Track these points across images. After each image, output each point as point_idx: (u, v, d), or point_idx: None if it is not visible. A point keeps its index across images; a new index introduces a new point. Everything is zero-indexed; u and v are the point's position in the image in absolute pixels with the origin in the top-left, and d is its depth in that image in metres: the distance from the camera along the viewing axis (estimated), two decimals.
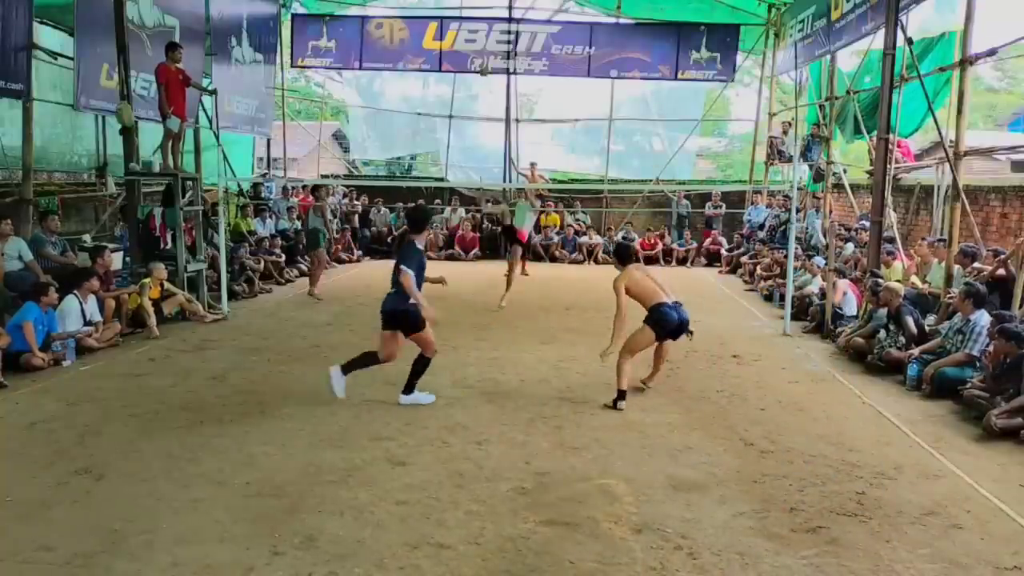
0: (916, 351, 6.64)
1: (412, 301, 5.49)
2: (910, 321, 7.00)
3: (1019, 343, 5.50)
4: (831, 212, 12.97)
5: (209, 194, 11.20)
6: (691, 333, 6.21)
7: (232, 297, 9.87)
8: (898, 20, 8.83)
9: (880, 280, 7.78)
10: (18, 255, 7.86)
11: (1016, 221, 8.90)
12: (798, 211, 10.50)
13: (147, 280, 8.43)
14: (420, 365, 5.82)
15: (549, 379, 6.62)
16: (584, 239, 16.05)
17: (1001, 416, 5.20)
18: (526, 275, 12.76)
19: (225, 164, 12.29)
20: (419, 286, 5.54)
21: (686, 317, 6.00)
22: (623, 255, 6.26)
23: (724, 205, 16.43)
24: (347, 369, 5.79)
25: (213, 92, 11.08)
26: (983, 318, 6.29)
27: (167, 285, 8.74)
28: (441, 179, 18.27)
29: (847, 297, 8.61)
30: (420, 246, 5.69)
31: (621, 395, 5.81)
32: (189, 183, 9.89)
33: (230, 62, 13.67)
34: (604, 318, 9.49)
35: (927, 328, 7.14)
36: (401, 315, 5.56)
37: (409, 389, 5.86)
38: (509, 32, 16.58)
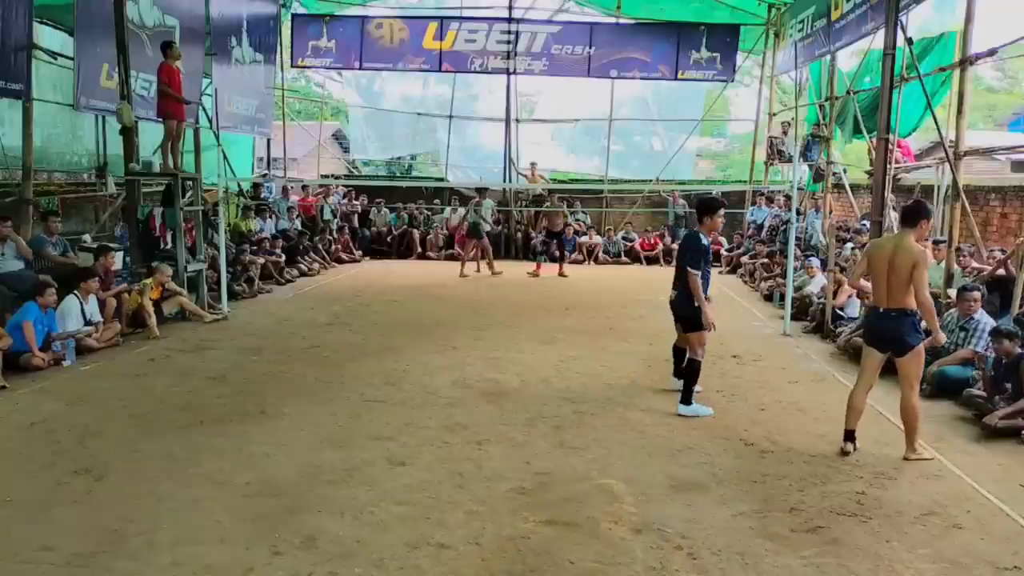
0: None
1: (696, 304, 5.62)
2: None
3: (1016, 341, 5.51)
4: (831, 212, 12.97)
5: (209, 194, 11.21)
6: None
7: (232, 297, 9.87)
8: (898, 20, 8.83)
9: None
10: (18, 255, 7.86)
11: (1016, 221, 8.91)
12: (798, 212, 10.49)
13: (148, 281, 8.43)
14: (689, 370, 5.71)
15: (549, 379, 6.62)
16: (584, 239, 16.05)
17: (1001, 416, 5.20)
18: (498, 273, 13.44)
19: (225, 164, 12.29)
20: (706, 284, 5.72)
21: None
22: None
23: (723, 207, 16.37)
24: (687, 397, 5.67)
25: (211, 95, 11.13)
26: (986, 315, 6.30)
27: (169, 285, 8.74)
28: (441, 179, 18.27)
29: (851, 299, 8.60)
30: (705, 241, 5.72)
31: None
32: (189, 183, 9.89)
33: (230, 62, 13.67)
34: (604, 318, 9.55)
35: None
36: (693, 314, 5.69)
37: (687, 398, 5.68)
38: (509, 32, 16.58)
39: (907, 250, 4.63)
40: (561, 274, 13.31)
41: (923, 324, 4.76)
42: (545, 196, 16.44)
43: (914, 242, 4.70)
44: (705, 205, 5.87)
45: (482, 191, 14.41)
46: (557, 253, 13.88)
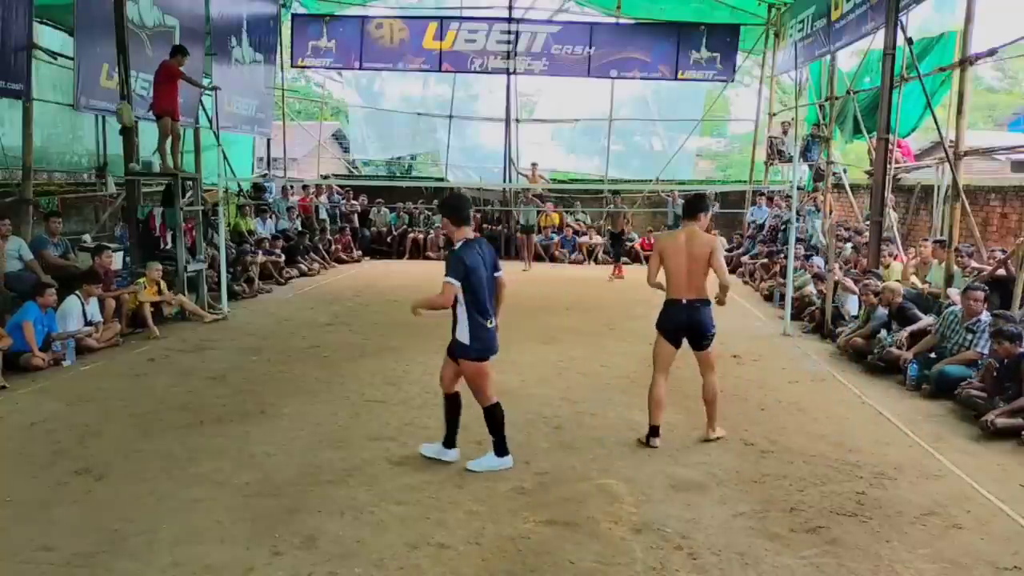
0: (909, 354, 6.63)
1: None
2: (917, 312, 7.04)
3: (1017, 343, 5.50)
4: (831, 212, 12.97)
5: (209, 194, 11.21)
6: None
7: (232, 297, 9.87)
8: (898, 20, 8.83)
9: (871, 280, 7.78)
10: (18, 255, 7.86)
11: (1016, 221, 8.91)
12: (798, 212, 10.49)
13: (142, 280, 8.43)
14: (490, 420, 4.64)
15: (549, 379, 6.62)
16: (584, 239, 16.04)
17: (1001, 416, 5.20)
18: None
19: (225, 164, 12.28)
20: (480, 296, 4.50)
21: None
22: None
23: (717, 204, 16.40)
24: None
25: (214, 89, 11.13)
26: (989, 317, 6.29)
27: (164, 291, 8.72)
28: (441, 179, 18.28)
29: (851, 297, 8.59)
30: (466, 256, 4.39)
31: None
32: (189, 183, 9.89)
33: (230, 62, 13.67)
34: (604, 318, 9.55)
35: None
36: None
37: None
38: (509, 32, 16.58)
39: (702, 239, 4.86)
40: (619, 276, 13.39)
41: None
42: (546, 196, 16.49)
43: (703, 232, 4.98)
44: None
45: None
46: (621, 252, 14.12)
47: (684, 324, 4.94)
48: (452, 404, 4.68)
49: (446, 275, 4.32)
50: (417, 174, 20.87)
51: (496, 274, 4.55)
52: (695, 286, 4.84)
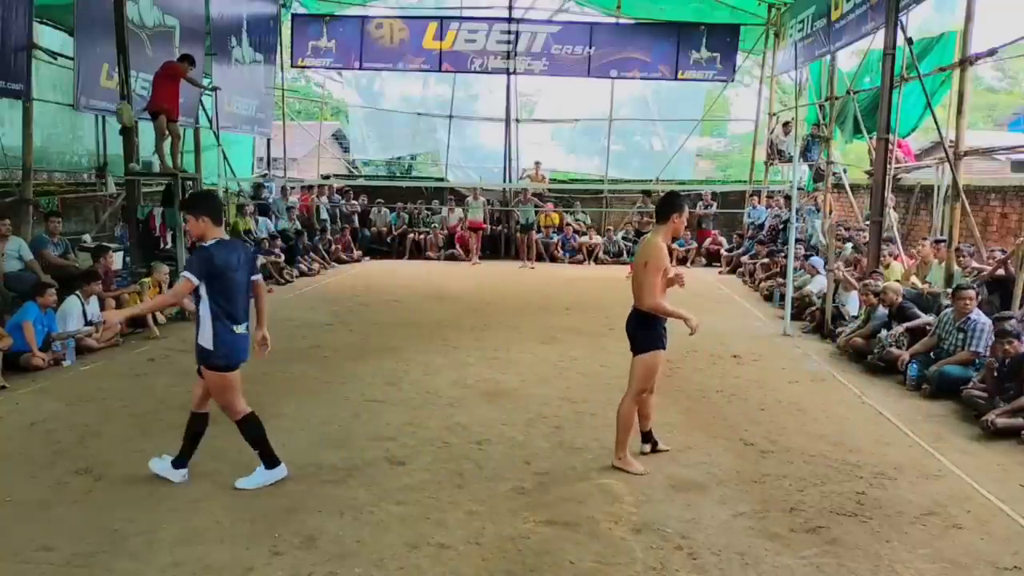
0: (907, 354, 6.62)
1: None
2: (917, 311, 7.04)
3: (1018, 342, 5.50)
4: (831, 212, 12.97)
5: None
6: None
7: None
8: (898, 20, 8.84)
9: (871, 280, 7.78)
10: (18, 255, 7.86)
11: (1016, 221, 8.90)
12: (798, 212, 10.49)
13: (147, 280, 8.43)
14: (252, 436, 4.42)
15: (549, 379, 6.62)
16: (584, 239, 16.05)
17: (1001, 416, 5.20)
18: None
19: (225, 164, 12.30)
20: (233, 298, 4.17)
21: None
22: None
23: (715, 204, 16.42)
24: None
25: (214, 89, 11.14)
26: (983, 316, 6.28)
27: (166, 290, 8.73)
28: (441, 179, 18.28)
29: (851, 296, 8.60)
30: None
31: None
32: (189, 183, 9.89)
33: (230, 62, 13.67)
34: (604, 318, 9.54)
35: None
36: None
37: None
38: (509, 32, 16.59)
39: (645, 247, 4.51)
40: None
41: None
42: (546, 196, 16.49)
43: (657, 240, 4.48)
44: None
45: (473, 190, 15.03)
46: None
47: (627, 330, 4.64)
48: (197, 422, 4.31)
49: (184, 270, 4.07)
50: (417, 174, 20.87)
51: (253, 278, 4.26)
52: (636, 294, 4.49)
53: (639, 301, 4.47)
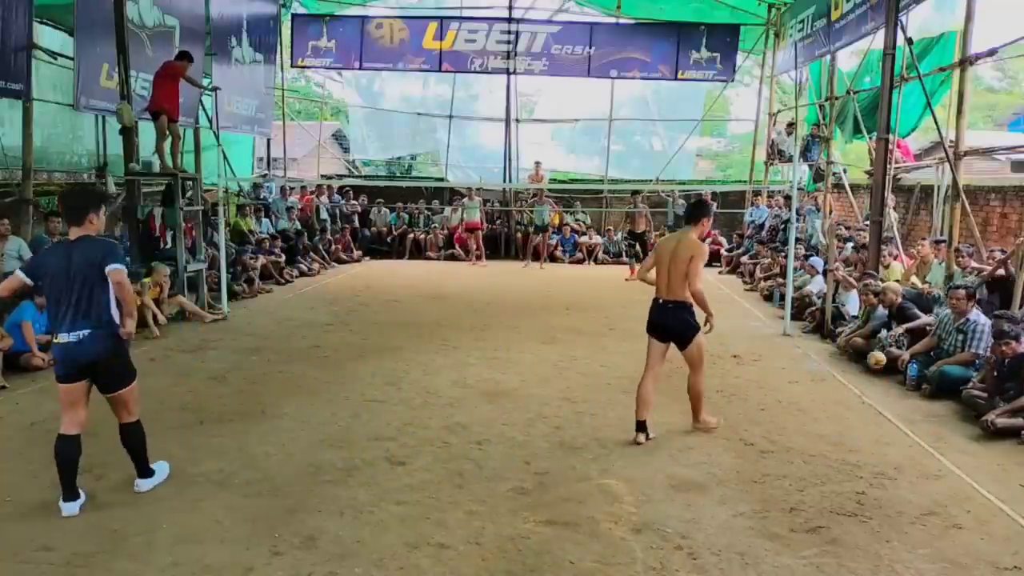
0: (906, 354, 6.62)
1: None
2: (916, 311, 7.04)
3: (1018, 342, 5.50)
4: (831, 212, 12.97)
5: (209, 194, 11.21)
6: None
7: (232, 297, 9.87)
8: (898, 20, 8.83)
9: (871, 281, 7.78)
10: (18, 255, 7.85)
11: (1016, 221, 8.90)
12: (798, 212, 10.50)
13: (147, 280, 8.42)
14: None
15: (549, 379, 6.62)
16: (584, 239, 16.04)
17: (1001, 416, 5.20)
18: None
19: (225, 164, 12.27)
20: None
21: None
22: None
23: (715, 204, 16.36)
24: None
25: (214, 90, 11.14)
26: (983, 316, 6.28)
27: (166, 291, 8.73)
28: (441, 179, 18.28)
29: (851, 296, 8.59)
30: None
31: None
32: (189, 183, 9.89)
33: (230, 62, 13.66)
34: (604, 318, 9.54)
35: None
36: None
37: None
38: (509, 32, 16.59)
39: (689, 243, 4.97)
40: (636, 277, 13.28)
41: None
42: (546, 196, 16.46)
43: (695, 237, 5.06)
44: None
45: (470, 191, 15.10)
46: (642, 253, 14.08)
47: (659, 322, 5.12)
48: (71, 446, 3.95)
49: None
50: (417, 174, 20.86)
51: (108, 268, 3.96)
52: (672, 288, 4.97)
53: (688, 288, 4.91)
